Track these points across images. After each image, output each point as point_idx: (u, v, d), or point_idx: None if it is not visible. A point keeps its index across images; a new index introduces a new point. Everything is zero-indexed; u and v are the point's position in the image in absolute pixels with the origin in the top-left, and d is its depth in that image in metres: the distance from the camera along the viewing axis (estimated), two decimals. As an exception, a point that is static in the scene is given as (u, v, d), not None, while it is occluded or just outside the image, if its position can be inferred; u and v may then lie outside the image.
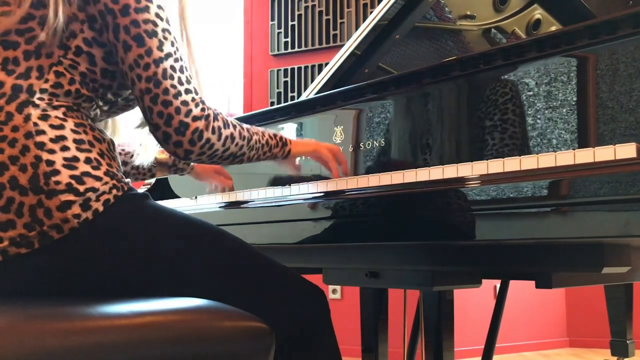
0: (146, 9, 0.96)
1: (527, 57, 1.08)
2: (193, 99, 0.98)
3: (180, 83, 0.97)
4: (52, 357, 0.75)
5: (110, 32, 0.96)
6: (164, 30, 0.98)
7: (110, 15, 0.95)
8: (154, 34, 0.96)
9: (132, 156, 1.37)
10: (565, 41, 1.03)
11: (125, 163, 1.38)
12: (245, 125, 1.11)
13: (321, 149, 1.26)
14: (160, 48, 0.96)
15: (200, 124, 0.98)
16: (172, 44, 0.98)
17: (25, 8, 0.93)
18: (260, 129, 1.16)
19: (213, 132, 1.01)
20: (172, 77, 0.96)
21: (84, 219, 0.89)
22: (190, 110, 0.97)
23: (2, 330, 0.75)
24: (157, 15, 0.97)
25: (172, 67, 0.97)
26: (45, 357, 0.74)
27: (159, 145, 1.02)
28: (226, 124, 1.04)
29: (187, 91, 0.98)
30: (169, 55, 0.97)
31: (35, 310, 0.81)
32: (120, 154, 1.37)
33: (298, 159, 1.30)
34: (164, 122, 0.96)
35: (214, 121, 1.01)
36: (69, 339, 0.77)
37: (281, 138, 1.20)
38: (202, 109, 0.99)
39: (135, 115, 1.17)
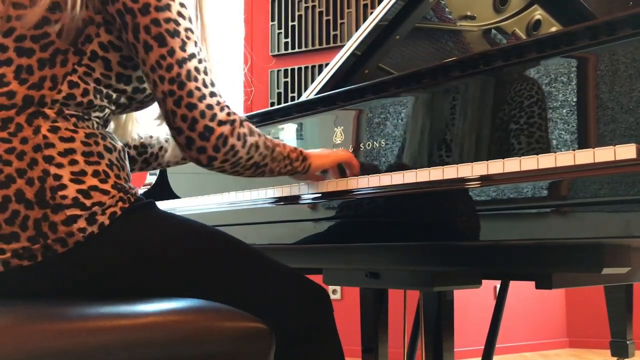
0: (167, 7, 0.92)
1: (527, 58, 1.08)
2: (218, 103, 0.94)
3: (205, 85, 0.93)
4: (51, 358, 0.75)
5: (130, 32, 0.92)
6: (186, 29, 0.94)
7: (130, 15, 0.91)
8: (176, 33, 0.92)
9: (161, 148, 1.32)
10: (566, 42, 1.03)
11: (155, 155, 1.33)
12: (268, 136, 1.07)
13: (340, 159, 1.23)
14: (183, 48, 0.92)
15: (226, 129, 0.94)
16: (196, 44, 0.94)
17: (42, 9, 0.90)
18: (280, 141, 1.12)
19: (238, 139, 0.96)
20: (196, 79, 0.92)
21: (89, 232, 0.88)
22: (216, 115, 0.93)
23: (2, 330, 0.75)
24: (180, 13, 0.93)
25: (197, 69, 0.93)
26: (44, 357, 0.75)
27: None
28: (252, 132, 1.00)
29: (212, 94, 0.94)
30: (192, 55, 0.93)
31: (36, 311, 0.81)
32: (148, 145, 1.31)
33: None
34: (188, 126, 0.92)
35: (239, 127, 0.96)
36: (68, 340, 0.77)
37: (301, 152, 1.15)
38: (228, 114, 0.95)
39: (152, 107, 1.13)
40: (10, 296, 0.90)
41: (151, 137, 1.33)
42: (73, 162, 0.89)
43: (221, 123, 0.94)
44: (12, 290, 0.89)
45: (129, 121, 1.19)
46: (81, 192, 0.88)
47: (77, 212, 0.87)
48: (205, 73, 0.94)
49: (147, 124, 1.20)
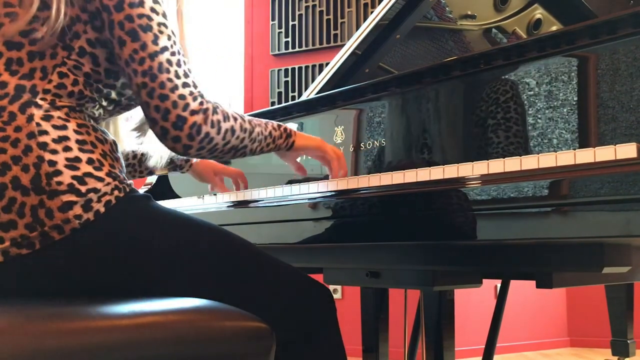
0: (141, 3, 0.96)
1: (528, 57, 1.08)
2: (191, 93, 0.97)
3: (177, 76, 0.96)
4: (51, 358, 0.75)
5: (106, 28, 0.96)
6: (159, 24, 0.97)
7: (106, 12, 0.95)
8: (148, 28, 0.95)
9: (136, 157, 1.37)
10: (566, 41, 1.03)
11: (131, 164, 1.38)
12: (247, 117, 1.09)
13: (326, 147, 1.25)
14: (155, 42, 0.95)
15: (199, 117, 0.97)
16: (169, 38, 0.97)
17: (33, 11, 0.92)
18: (264, 120, 1.14)
19: (212, 126, 0.99)
20: (168, 71, 0.95)
21: (85, 219, 0.89)
22: (188, 104, 0.96)
23: (2, 330, 0.75)
24: (153, 9, 0.97)
25: (169, 61, 0.96)
26: (44, 357, 0.75)
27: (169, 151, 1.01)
28: (226, 117, 1.02)
29: (185, 85, 0.96)
30: (164, 48, 0.96)
31: (35, 310, 0.81)
32: (130, 157, 1.37)
33: (299, 158, 1.28)
34: (161, 117, 0.95)
35: (212, 114, 0.99)
36: (68, 340, 0.77)
37: (285, 129, 1.18)
38: (201, 103, 0.97)
39: (135, 116, 1.18)
40: (11, 287, 0.90)
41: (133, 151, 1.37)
42: (67, 149, 0.91)
43: (194, 112, 0.96)
44: (13, 281, 0.90)
45: (117, 135, 1.21)
46: (76, 178, 0.90)
47: (73, 198, 0.88)
48: (179, 65, 0.97)
49: (129, 139, 1.23)
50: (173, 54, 0.97)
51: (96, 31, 0.97)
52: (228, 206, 1.43)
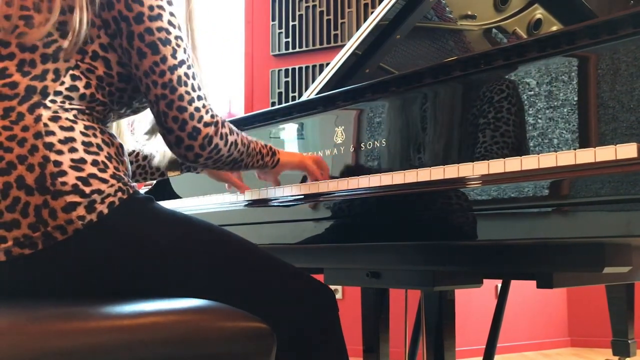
0: (159, 16, 0.98)
1: (528, 57, 1.08)
2: (204, 106, 1.02)
3: (194, 89, 1.01)
4: (52, 358, 0.75)
5: (124, 38, 0.98)
6: (176, 37, 1.01)
7: (125, 22, 0.97)
8: (167, 41, 0.99)
9: (147, 159, 1.36)
10: (566, 41, 1.03)
11: (141, 165, 1.37)
12: (243, 133, 1.14)
13: (307, 161, 1.29)
14: (174, 55, 0.99)
15: (211, 130, 1.02)
16: (185, 51, 1.02)
17: (55, 17, 0.94)
18: (253, 138, 1.19)
19: (221, 138, 1.04)
20: (185, 84, 1.00)
21: (88, 220, 0.89)
22: (202, 117, 1.01)
23: (4, 330, 0.75)
24: (170, 22, 1.00)
25: (186, 74, 1.00)
26: (46, 357, 0.75)
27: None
28: (231, 131, 1.08)
29: (199, 98, 1.01)
30: (182, 62, 1.00)
31: (37, 311, 0.81)
32: (134, 160, 1.36)
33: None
34: (178, 127, 0.99)
35: (222, 127, 1.04)
36: (69, 340, 0.77)
37: (271, 147, 1.23)
38: (212, 116, 1.03)
39: (145, 120, 1.19)
40: (13, 287, 0.90)
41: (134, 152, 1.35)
42: (73, 150, 0.92)
43: (207, 124, 1.02)
44: (15, 280, 0.90)
45: (121, 135, 1.22)
46: (80, 179, 0.90)
47: (77, 199, 0.89)
48: (194, 78, 1.02)
49: (140, 138, 1.24)
50: (189, 67, 1.01)
51: (109, 37, 0.99)
52: (222, 207, 1.43)
